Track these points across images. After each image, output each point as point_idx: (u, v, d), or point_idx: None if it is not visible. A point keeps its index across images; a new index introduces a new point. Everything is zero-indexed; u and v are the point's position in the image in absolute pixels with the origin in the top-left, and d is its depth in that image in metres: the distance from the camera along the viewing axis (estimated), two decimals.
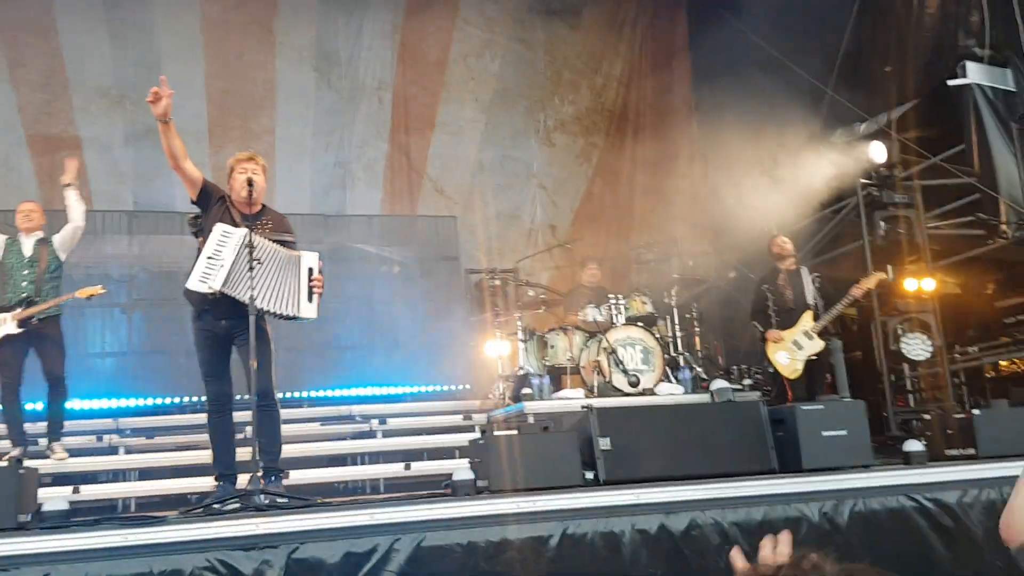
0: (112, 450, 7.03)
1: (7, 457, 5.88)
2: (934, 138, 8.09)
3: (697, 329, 8.51)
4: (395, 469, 6.78)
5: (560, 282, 9.44)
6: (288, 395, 8.50)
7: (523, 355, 7.76)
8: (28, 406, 6.35)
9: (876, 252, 8.23)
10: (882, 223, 8.35)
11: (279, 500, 4.30)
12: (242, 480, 4.71)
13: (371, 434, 7.53)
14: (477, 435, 4.77)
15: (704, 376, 7.90)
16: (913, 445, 5.12)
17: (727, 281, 9.83)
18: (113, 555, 3.40)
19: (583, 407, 4.98)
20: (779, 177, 8.28)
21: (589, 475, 4.64)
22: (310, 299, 4.77)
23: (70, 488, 5.89)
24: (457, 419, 7.85)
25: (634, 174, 10.72)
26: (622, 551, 3.88)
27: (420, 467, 6.75)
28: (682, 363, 7.96)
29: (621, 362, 7.22)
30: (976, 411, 5.45)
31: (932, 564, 4.23)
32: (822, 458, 4.91)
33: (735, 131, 8.31)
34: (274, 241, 4.79)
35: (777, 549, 1.42)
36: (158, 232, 9.15)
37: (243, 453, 4.85)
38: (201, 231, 4.81)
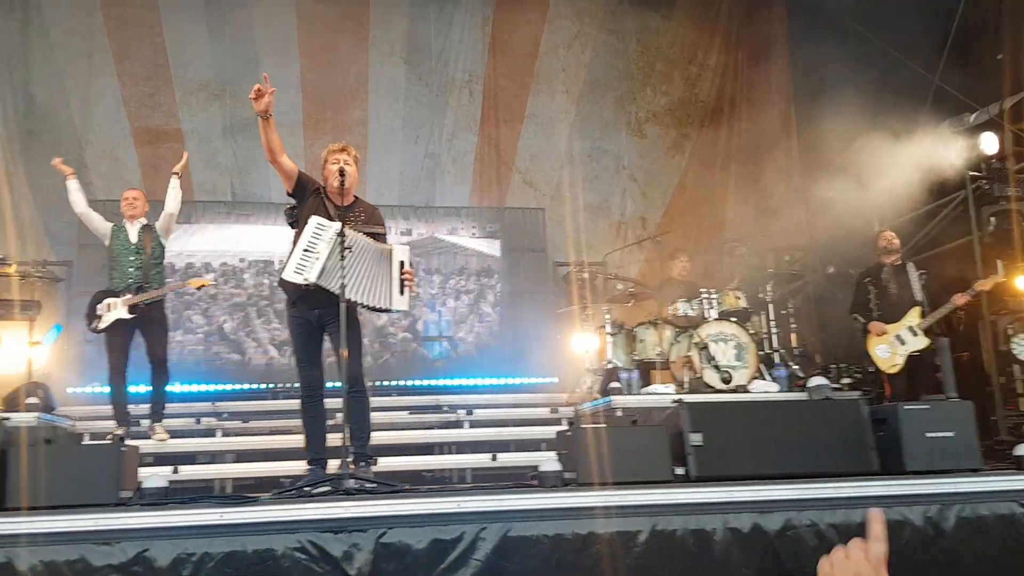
0: (210, 432, 7.26)
1: (111, 435, 6.14)
2: None
3: (793, 326, 8.25)
4: (482, 459, 6.80)
5: (650, 275, 9.28)
6: (377, 383, 8.63)
7: (611, 349, 7.67)
8: (131, 388, 6.59)
9: (984, 248, 7.82)
10: (992, 218, 7.94)
11: (368, 485, 4.35)
12: (333, 465, 4.77)
13: (458, 424, 7.57)
14: (565, 427, 4.72)
15: (800, 374, 7.64)
16: None
17: (825, 277, 9.50)
18: (209, 533, 3.49)
19: (674, 402, 4.87)
20: (881, 171, 7.95)
21: (679, 471, 4.55)
22: (401, 292, 4.82)
23: (170, 468, 6.09)
24: (544, 412, 7.84)
25: (728, 166, 10.47)
26: (713, 549, 3.78)
27: (506, 458, 6.75)
28: (777, 360, 7.72)
29: (713, 358, 7.05)
30: None
31: None
32: (926, 460, 4.68)
33: (835, 123, 8.00)
34: (366, 233, 4.86)
35: (872, 531, 1.31)
36: (254, 222, 9.39)
37: (334, 439, 4.92)
38: (296, 222, 4.91)
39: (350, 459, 4.51)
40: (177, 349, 8.84)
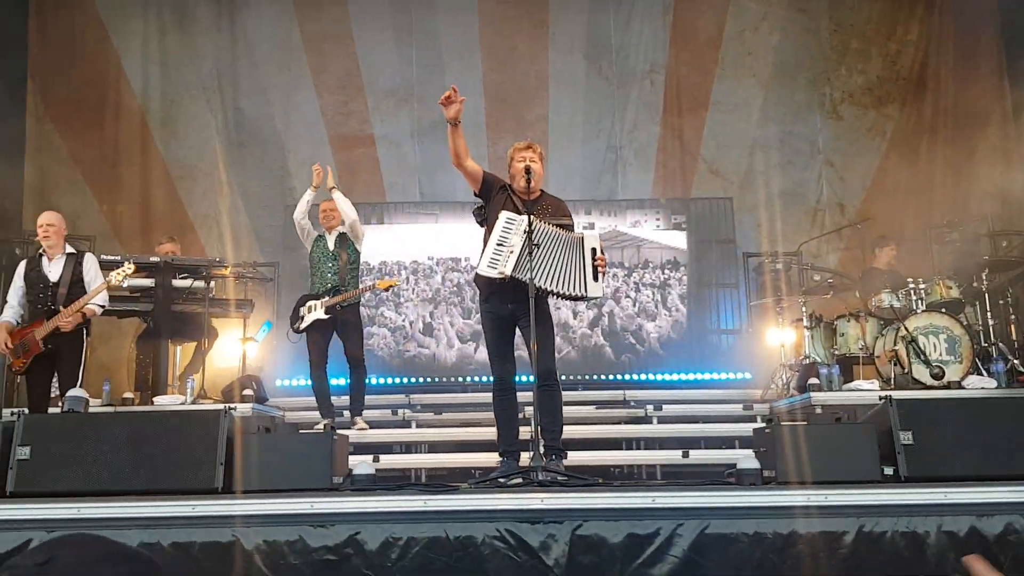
0: (405, 424, 7.55)
1: (325, 424, 6.53)
2: None
3: (1013, 317, 7.57)
4: (672, 456, 6.68)
5: (850, 265, 8.79)
6: (563, 378, 8.68)
7: (808, 343, 7.36)
8: (332, 382, 6.96)
9: None
10: None
11: (559, 478, 4.36)
12: (524, 457, 4.82)
13: (646, 419, 7.47)
14: (762, 424, 4.55)
15: (1021, 368, 7.01)
16: None
17: None
18: (414, 519, 3.60)
19: (881, 398, 4.57)
20: None
21: (888, 470, 4.27)
22: (596, 278, 4.81)
23: (370, 457, 6.38)
24: (736, 408, 7.59)
25: (935, 147, 9.71)
26: (926, 553, 3.53)
27: (698, 455, 6.60)
28: (995, 354, 7.10)
29: (923, 352, 6.60)
30: None
31: None
32: None
33: None
34: (554, 225, 4.87)
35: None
36: (442, 220, 9.71)
37: (527, 432, 4.97)
38: (485, 220, 5.00)
39: (542, 452, 4.54)
40: (372, 344, 9.30)
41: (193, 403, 6.75)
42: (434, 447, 7.24)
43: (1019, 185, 8.52)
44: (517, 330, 5.01)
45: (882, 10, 10.21)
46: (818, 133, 10.11)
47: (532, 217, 4.68)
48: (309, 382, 6.82)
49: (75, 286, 5.89)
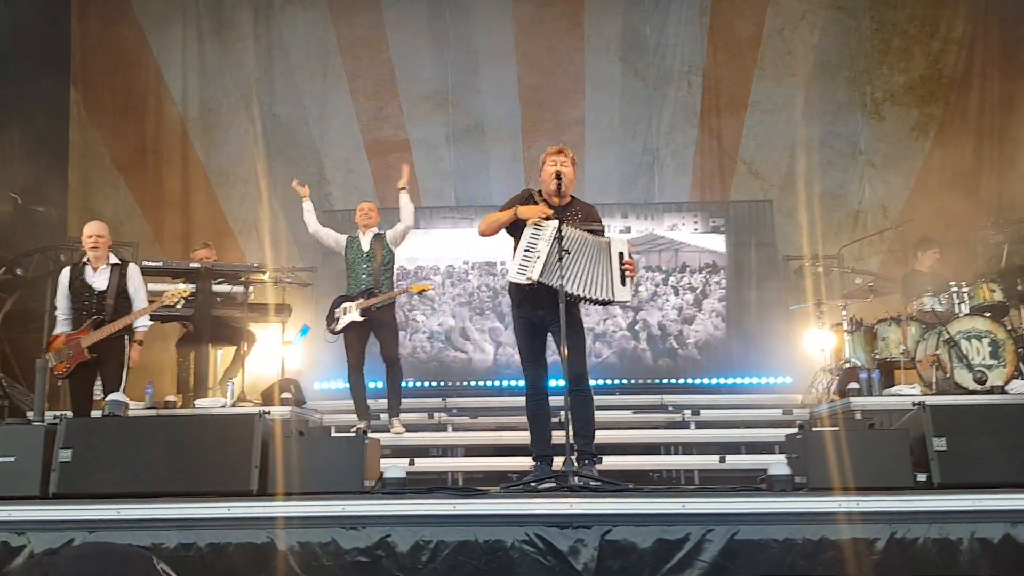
0: (441, 428, 7.58)
1: (354, 429, 6.58)
2: None
3: None
4: (709, 461, 6.63)
5: (892, 268, 8.63)
6: (600, 382, 8.65)
7: (849, 347, 7.25)
8: (370, 385, 7.02)
9: None
10: None
11: (592, 483, 4.36)
12: (558, 462, 4.83)
13: (684, 424, 7.41)
14: (794, 430, 4.51)
15: None
16: None
17: None
18: (443, 522, 3.63)
19: (915, 404, 4.51)
20: None
21: (921, 477, 4.21)
22: (623, 282, 4.82)
23: (407, 460, 6.43)
24: (776, 413, 7.51)
25: (981, 147, 9.48)
26: (959, 560, 3.51)
27: (736, 461, 6.54)
28: None
29: (965, 356, 6.47)
30: None
31: None
32: None
33: None
34: (584, 230, 4.88)
35: None
36: (477, 224, 9.67)
37: (560, 436, 4.97)
38: (514, 227, 5.01)
39: (574, 456, 4.54)
40: (408, 348, 9.36)
41: (233, 406, 6.85)
42: (470, 451, 7.26)
43: None
44: (549, 336, 5.03)
45: (925, 8, 10.01)
46: (859, 133, 9.94)
47: (561, 223, 4.69)
48: (347, 384, 6.89)
49: (120, 297, 6.01)
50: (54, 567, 1.55)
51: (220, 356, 8.05)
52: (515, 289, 4.93)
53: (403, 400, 7.02)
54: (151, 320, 6.32)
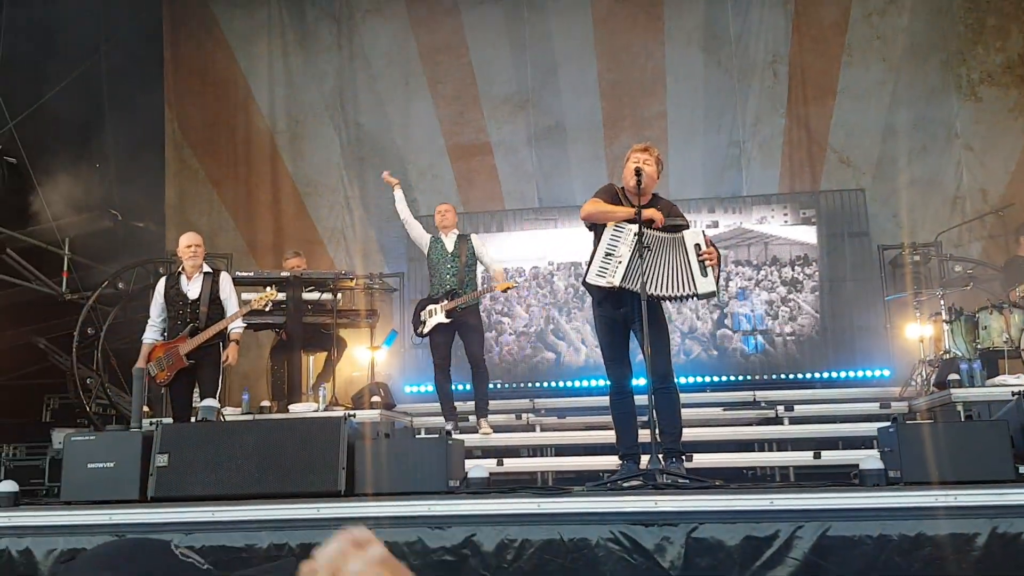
0: (530, 428, 7.60)
1: (441, 430, 6.66)
2: None
3: None
4: (804, 457, 6.45)
5: (994, 254, 8.26)
6: (691, 380, 8.53)
7: (948, 337, 6.95)
8: (457, 386, 7.09)
9: None
10: None
11: (679, 481, 4.30)
12: (645, 460, 4.78)
13: (777, 420, 7.24)
14: (887, 424, 4.35)
15: None
16: None
17: None
18: (528, 521, 3.64)
19: (1014, 394, 4.30)
20: None
21: (1023, 469, 4.01)
22: (704, 273, 4.72)
23: (493, 460, 6.46)
24: (873, 407, 7.26)
25: None
26: None
27: (831, 456, 6.35)
28: None
29: None
30: None
31: None
32: None
33: None
34: (668, 225, 4.83)
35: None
36: (560, 225, 9.69)
37: (647, 434, 4.91)
38: (594, 225, 4.98)
39: (661, 454, 4.49)
40: (496, 350, 9.40)
41: (325, 410, 7.02)
42: (560, 450, 7.26)
43: None
44: (632, 334, 4.98)
45: None
46: (955, 117, 9.50)
47: (640, 227, 4.65)
48: (435, 387, 6.98)
49: (213, 304, 6.24)
50: (69, 572, 1.62)
51: (312, 362, 8.27)
52: (595, 288, 4.90)
53: (491, 402, 7.06)
54: (246, 327, 6.53)
